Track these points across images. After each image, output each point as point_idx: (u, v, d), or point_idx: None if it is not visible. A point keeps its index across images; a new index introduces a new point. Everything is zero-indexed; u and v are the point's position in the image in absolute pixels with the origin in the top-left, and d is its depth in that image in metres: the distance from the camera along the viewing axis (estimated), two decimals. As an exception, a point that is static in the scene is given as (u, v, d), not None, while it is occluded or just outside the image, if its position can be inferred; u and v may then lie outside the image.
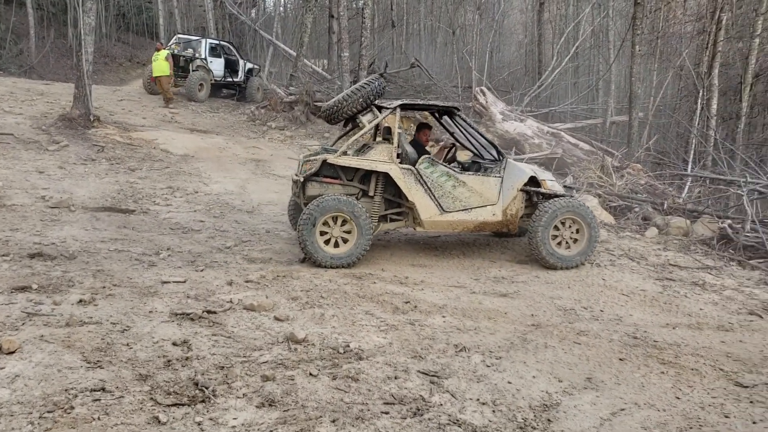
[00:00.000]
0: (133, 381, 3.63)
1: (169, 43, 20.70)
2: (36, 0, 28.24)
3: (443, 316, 5.22)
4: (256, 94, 21.01)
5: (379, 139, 7.15)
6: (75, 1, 25.58)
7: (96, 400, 3.37)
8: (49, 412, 3.21)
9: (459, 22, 28.90)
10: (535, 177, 6.88)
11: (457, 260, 7.04)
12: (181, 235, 7.18)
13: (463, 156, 8.07)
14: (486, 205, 6.69)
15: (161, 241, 6.86)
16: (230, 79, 20.95)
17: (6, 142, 10.96)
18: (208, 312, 4.83)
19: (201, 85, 19.44)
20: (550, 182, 7.04)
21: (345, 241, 6.37)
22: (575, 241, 6.74)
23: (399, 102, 6.71)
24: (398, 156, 6.68)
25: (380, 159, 6.46)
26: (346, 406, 3.54)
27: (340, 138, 7.34)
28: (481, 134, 7.16)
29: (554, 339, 4.87)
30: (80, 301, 4.83)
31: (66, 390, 3.44)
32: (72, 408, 3.25)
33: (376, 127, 7.21)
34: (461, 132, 7.38)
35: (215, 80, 20.31)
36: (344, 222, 6.34)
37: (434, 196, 6.55)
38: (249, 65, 21.71)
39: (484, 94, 16.34)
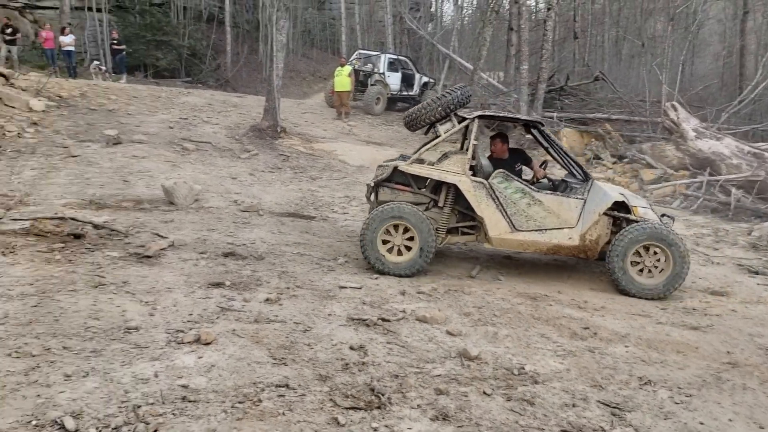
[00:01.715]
0: (314, 380, 3.84)
1: (351, 58, 21.78)
2: (233, 19, 31.14)
3: (626, 346, 4.94)
4: (430, 108, 21.38)
5: (452, 148, 6.91)
6: (268, 20, 27.85)
7: (281, 395, 3.60)
8: (239, 402, 3.48)
9: (648, 33, 27.36)
10: (624, 202, 6.42)
11: (641, 287, 6.62)
12: (356, 242, 7.49)
13: (558, 174, 7.59)
14: (563, 228, 6.38)
15: (339, 248, 7.20)
16: (406, 93, 21.56)
17: (205, 150, 12.17)
18: (383, 320, 4.98)
19: (378, 99, 20.23)
20: (642, 209, 6.53)
21: (409, 249, 6.33)
22: (661, 270, 6.24)
23: (477, 113, 6.59)
24: (472, 168, 6.54)
25: (452, 170, 6.38)
26: (522, 429, 3.46)
27: (422, 147, 7.15)
28: (566, 152, 6.87)
29: (754, 380, 4.42)
30: (267, 299, 5.21)
31: (254, 383, 3.72)
32: (260, 401, 3.50)
33: (464, 136, 7.09)
34: (550, 147, 7.05)
35: (391, 94, 21.02)
36: (406, 230, 6.31)
37: (506, 212, 6.35)
38: (424, 79, 22.21)
39: (675, 110, 15.27)
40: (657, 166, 14.04)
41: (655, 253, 6.23)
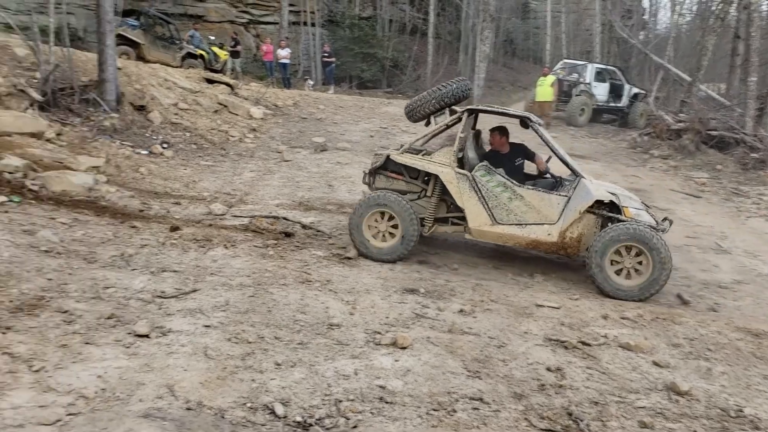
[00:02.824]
0: (509, 397, 3.81)
1: (555, 68, 21.31)
2: (435, 30, 31.95)
3: None
4: (639, 120, 20.23)
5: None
6: (470, 30, 28.22)
7: (475, 408, 3.62)
8: (434, 410, 3.56)
9: None
10: (610, 201, 6.33)
11: None
12: (555, 260, 7.29)
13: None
14: (543, 224, 6.40)
15: (535, 264, 7.06)
16: (613, 104, 20.61)
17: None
18: (583, 343, 4.79)
19: (582, 110, 19.55)
20: (635, 210, 6.40)
21: (393, 235, 6.52)
22: (640, 273, 6.09)
23: (468, 107, 6.80)
24: (461, 160, 6.59)
25: (439, 161, 6.57)
26: (742, 483, 3.14)
27: (423, 137, 7.25)
28: (557, 150, 6.68)
29: None
30: (461, 310, 5.26)
31: (449, 393, 3.78)
32: (454, 411, 3.55)
33: (474, 129, 7.33)
34: (546, 144, 6.79)
35: (597, 105, 20.21)
36: (391, 218, 6.48)
37: (487, 205, 6.46)
38: (634, 90, 21.07)
39: None
40: None
41: (637, 254, 6.08)
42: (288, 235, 7.11)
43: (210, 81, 16.01)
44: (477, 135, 7.39)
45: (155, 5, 23.49)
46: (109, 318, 4.33)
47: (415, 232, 6.46)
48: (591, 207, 6.35)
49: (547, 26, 30.88)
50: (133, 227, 6.76)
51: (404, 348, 4.37)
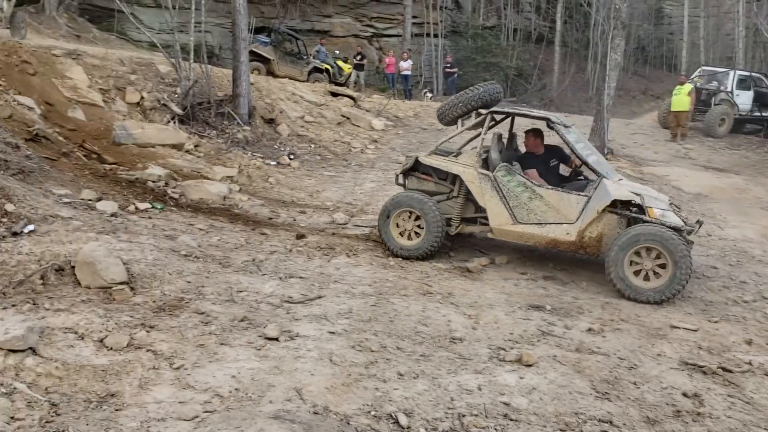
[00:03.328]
0: (640, 422, 3.65)
1: (692, 76, 20.18)
2: (562, 38, 31.22)
3: None
4: (788, 131, 18.73)
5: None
6: (599, 38, 27.33)
7: (604, 431, 3.49)
8: (560, 430, 3.47)
9: None
10: (629, 201, 6.25)
11: None
12: (692, 279, 6.89)
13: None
14: (562, 223, 6.44)
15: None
16: (758, 114, 19.19)
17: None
18: (724, 369, 4.50)
19: (722, 119, 18.35)
20: (660, 211, 6.24)
21: (419, 235, 6.71)
22: (658, 275, 5.95)
23: (492, 109, 6.90)
24: (486, 161, 6.74)
25: (464, 162, 6.77)
26: None
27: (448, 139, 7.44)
28: (577, 151, 6.66)
29: None
30: (589, 329, 5.09)
31: (576, 413, 3.67)
32: (582, 432, 3.44)
33: (511, 132, 7.56)
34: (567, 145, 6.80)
35: (739, 115, 18.89)
36: (418, 217, 6.69)
37: (509, 205, 6.56)
38: (783, 98, 19.50)
39: None
40: None
41: (657, 257, 5.95)
42: (410, 245, 7.18)
43: (334, 94, 16.54)
44: (512, 137, 7.61)
45: (285, 22, 24.59)
46: (241, 320, 4.57)
47: (439, 232, 6.66)
48: (615, 207, 6.31)
49: (684, 32, 29.33)
50: (263, 234, 7.09)
51: (529, 365, 4.28)
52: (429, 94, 24.11)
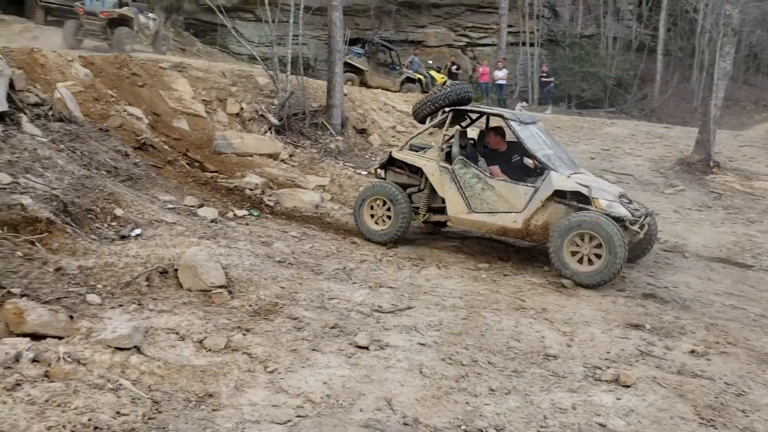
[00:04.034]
0: (751, 455, 3.43)
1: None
2: (665, 46, 30.03)
3: None
4: None
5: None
6: (705, 45, 26.14)
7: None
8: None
9: None
10: (575, 192, 6.65)
11: None
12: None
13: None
14: (510, 212, 6.85)
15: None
16: None
17: (626, 182, 11.97)
18: None
19: (844, 130, 17.10)
20: (606, 202, 6.62)
21: (390, 219, 7.32)
22: (599, 257, 6.29)
23: (455, 108, 7.45)
24: (448, 155, 7.23)
25: (429, 156, 7.37)
26: None
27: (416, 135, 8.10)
28: (527, 145, 7.01)
29: None
30: (692, 351, 4.85)
31: (679, 440, 3.50)
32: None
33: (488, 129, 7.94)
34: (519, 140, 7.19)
35: None
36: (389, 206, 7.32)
37: (464, 195, 7.03)
38: None
39: None
40: None
41: (598, 246, 6.28)
42: (501, 259, 7.10)
43: (427, 104, 16.56)
44: (482, 135, 8.02)
45: (379, 33, 24.94)
46: (332, 327, 4.65)
47: (405, 219, 7.25)
48: (564, 198, 6.68)
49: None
50: (354, 243, 7.20)
51: (627, 386, 4.13)
52: (523, 104, 23.77)
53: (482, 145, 7.84)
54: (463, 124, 7.88)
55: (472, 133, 8.29)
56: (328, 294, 5.36)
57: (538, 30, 28.34)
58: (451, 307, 5.41)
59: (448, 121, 7.45)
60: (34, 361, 3.42)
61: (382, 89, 17.73)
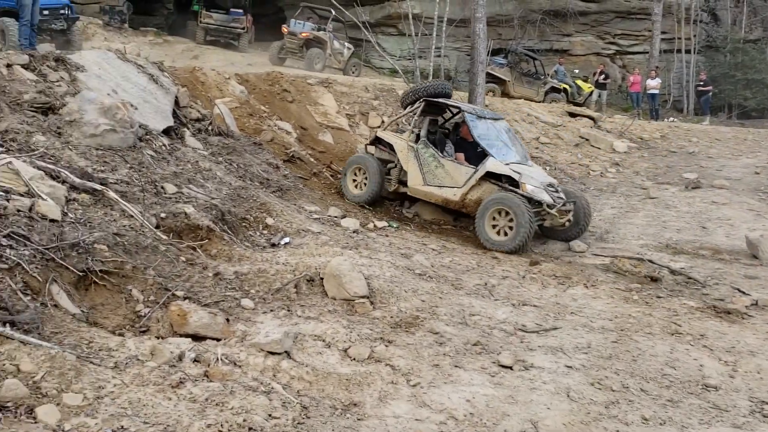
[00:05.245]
0: None
1: None
2: None
3: None
4: None
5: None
6: None
7: None
8: None
9: None
10: (506, 175, 7.94)
11: None
12: None
13: None
14: (453, 187, 8.22)
15: None
16: None
17: (798, 200, 10.96)
18: None
19: None
20: (532, 187, 7.79)
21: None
22: (511, 228, 7.58)
23: (427, 99, 9.01)
24: (418, 137, 8.68)
25: (402, 137, 8.87)
26: None
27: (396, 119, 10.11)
28: (476, 136, 8.43)
29: None
30: None
31: None
32: None
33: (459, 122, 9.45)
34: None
35: None
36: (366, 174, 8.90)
37: (422, 170, 8.44)
38: None
39: None
40: None
41: (509, 219, 7.58)
42: (654, 279, 6.75)
43: (572, 114, 16.14)
44: (457, 126, 9.43)
45: (522, 42, 24.58)
46: (474, 344, 4.62)
47: (377, 185, 8.71)
48: (500, 180, 7.97)
49: None
50: (495, 258, 7.13)
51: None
52: (672, 119, 22.43)
53: (455, 134, 9.36)
54: (446, 116, 9.62)
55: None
56: (469, 310, 5.34)
57: (695, 36, 26.63)
58: (600, 329, 5.20)
59: (419, 109, 8.97)
60: (195, 360, 3.68)
61: (525, 99, 17.46)
